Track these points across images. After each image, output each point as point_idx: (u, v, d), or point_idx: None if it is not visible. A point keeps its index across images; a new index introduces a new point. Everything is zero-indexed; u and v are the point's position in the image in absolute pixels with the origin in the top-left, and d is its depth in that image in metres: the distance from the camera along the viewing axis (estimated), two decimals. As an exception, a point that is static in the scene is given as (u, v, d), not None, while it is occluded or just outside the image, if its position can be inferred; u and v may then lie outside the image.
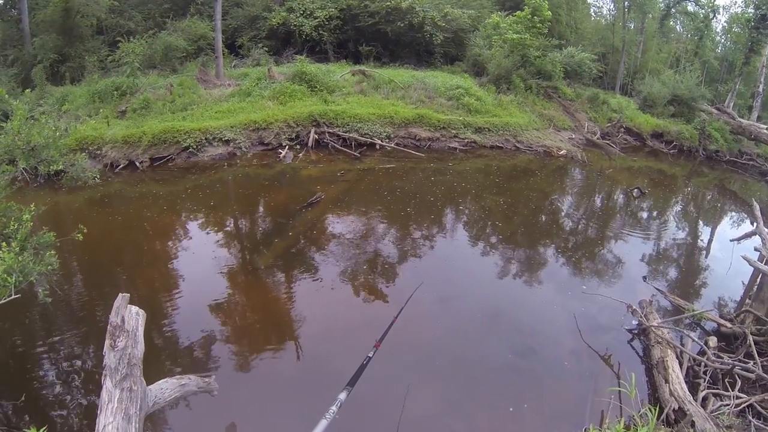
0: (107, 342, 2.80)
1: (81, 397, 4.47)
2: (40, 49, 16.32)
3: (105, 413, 2.50)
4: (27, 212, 4.42)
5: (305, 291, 6.28)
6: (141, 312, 3.08)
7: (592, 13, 26.20)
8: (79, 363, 4.96)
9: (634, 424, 3.25)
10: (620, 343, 5.75)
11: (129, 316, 2.97)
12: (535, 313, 6.27)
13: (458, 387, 4.76)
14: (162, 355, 4.95)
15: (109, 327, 2.85)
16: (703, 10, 24.46)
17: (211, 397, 3.71)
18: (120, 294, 3.04)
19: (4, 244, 4.10)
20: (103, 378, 2.68)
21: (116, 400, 2.55)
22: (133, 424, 2.52)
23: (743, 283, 7.63)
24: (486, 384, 4.85)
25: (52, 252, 4.51)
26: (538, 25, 16.11)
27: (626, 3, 22.74)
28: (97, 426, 2.48)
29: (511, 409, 4.48)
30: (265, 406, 4.32)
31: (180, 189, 10.17)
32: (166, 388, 3.10)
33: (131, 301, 3.19)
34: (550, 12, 16.42)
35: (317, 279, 6.59)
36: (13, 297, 3.83)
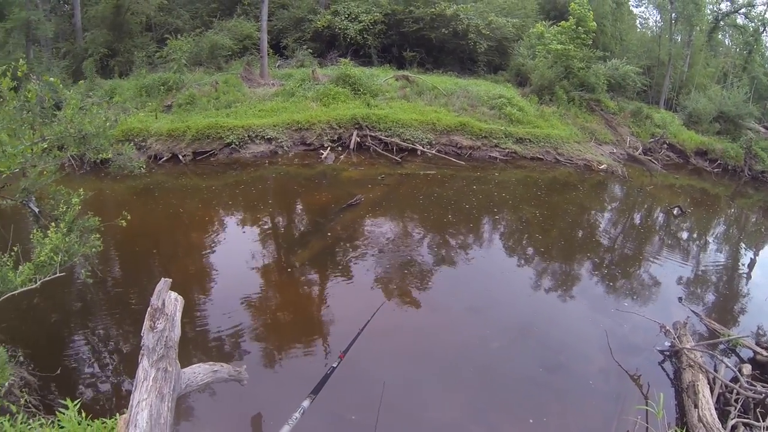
0: (147, 323, 2.86)
1: (113, 375, 4.63)
2: (91, 44, 16.98)
3: (140, 390, 2.56)
4: (76, 196, 4.62)
5: (338, 292, 6.34)
6: (179, 298, 3.13)
7: (638, 25, 25.61)
8: (113, 342, 5.14)
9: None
10: (651, 364, 5.61)
11: (169, 300, 3.03)
12: (566, 328, 6.18)
13: (483, 396, 4.74)
14: (192, 343, 5.07)
15: (149, 309, 2.92)
16: (753, 24, 23.53)
17: (240, 386, 3.77)
18: (163, 278, 3.13)
19: (53, 224, 4.32)
20: (140, 357, 2.75)
21: (151, 378, 2.61)
22: (166, 403, 2.57)
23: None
24: (511, 395, 4.82)
25: (97, 235, 4.71)
26: (582, 35, 15.86)
27: (673, 15, 22.09)
28: (131, 401, 2.54)
29: (531, 421, 4.42)
30: (290, 402, 4.36)
31: (220, 184, 10.43)
32: (199, 372, 3.18)
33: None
34: (595, 23, 16.14)
35: (351, 281, 6.66)
36: (57, 275, 4.01)
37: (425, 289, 6.61)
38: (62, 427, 2.69)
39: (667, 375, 5.46)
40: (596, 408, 4.77)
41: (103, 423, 2.81)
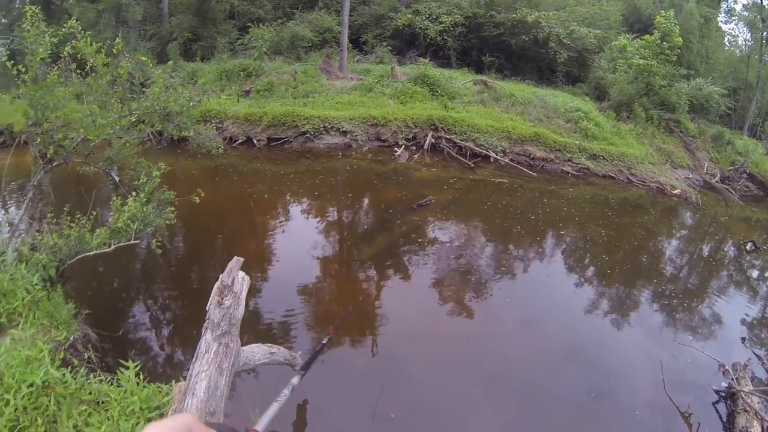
0: (215, 298, 2.92)
1: (170, 343, 4.81)
2: (176, 28, 17.98)
3: (200, 361, 2.62)
4: (156, 169, 4.87)
5: (397, 290, 6.38)
6: (246, 278, 3.20)
7: (726, 43, 24.18)
8: (172, 312, 5.35)
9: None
10: (704, 403, 5.43)
11: (237, 279, 3.10)
12: (619, 355, 6.08)
13: (525, 412, 4.70)
14: (246, 323, 5.31)
15: (219, 284, 3.00)
16: None
17: (292, 370, 3.77)
18: (235, 257, 3.24)
19: (132, 194, 4.61)
20: (203, 330, 2.82)
21: (213, 352, 2.68)
22: (224, 377, 2.62)
23: None
24: (554, 416, 4.74)
25: (171, 208, 4.90)
26: (666, 51, 15.25)
27: (764, 33, 20.77)
28: (190, 371, 2.61)
29: None
30: (334, 394, 4.38)
31: (292, 171, 10.82)
32: (257, 352, 3.28)
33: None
34: (680, 38, 15.46)
35: (411, 281, 6.73)
36: (131, 242, 4.30)
37: (481, 297, 6.65)
38: (120, 386, 2.78)
39: (720, 417, 5.30)
40: None
41: (158, 387, 2.87)
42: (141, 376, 2.87)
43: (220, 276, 3.04)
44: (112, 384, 2.81)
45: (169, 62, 10.99)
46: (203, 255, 6.80)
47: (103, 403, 2.66)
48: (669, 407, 5.17)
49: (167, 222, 4.84)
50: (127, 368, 2.79)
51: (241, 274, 3.17)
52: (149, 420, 2.61)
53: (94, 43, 4.72)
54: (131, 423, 2.52)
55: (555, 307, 7.00)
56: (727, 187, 14.69)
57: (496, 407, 4.64)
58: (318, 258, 6.96)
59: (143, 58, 5.73)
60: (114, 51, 4.99)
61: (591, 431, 4.63)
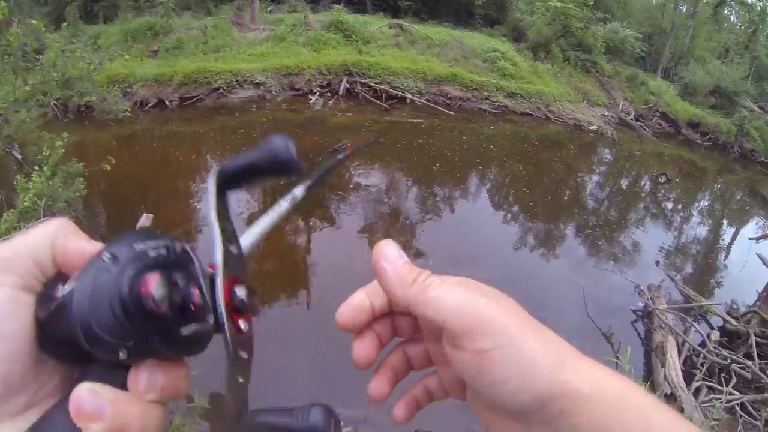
0: None
1: None
2: (73, -12, 16.31)
3: None
4: (59, 140, 4.57)
5: (321, 239, 6.36)
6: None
7: (643, -10, 24.96)
8: None
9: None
10: (624, 324, 5.75)
11: None
12: (546, 285, 6.26)
13: None
14: None
15: None
16: (761, 2, 23.15)
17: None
18: (144, 214, 3.10)
19: (36, 167, 4.26)
20: None
21: None
22: None
23: (757, 292, 7.48)
24: None
25: (81, 179, 4.68)
26: (583, -5, 15.50)
27: (680, -17, 21.68)
28: None
29: None
30: (276, 351, 4.33)
31: (207, 129, 10.35)
32: None
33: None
34: (597, -17, 15.76)
35: (334, 227, 6.69)
36: (42, 220, 3.97)
37: (408, 237, 6.63)
38: None
39: (639, 335, 5.61)
40: None
41: None
42: None
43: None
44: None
45: (64, 24, 9.86)
46: (125, 225, 6.40)
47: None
48: (594, 330, 5.39)
49: (77, 194, 4.59)
50: None
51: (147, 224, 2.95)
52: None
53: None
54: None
55: (482, 243, 7.08)
56: (641, 124, 15.31)
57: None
58: (241, 214, 6.63)
59: (34, 23, 5.15)
60: (-1, 17, 4.31)
61: None
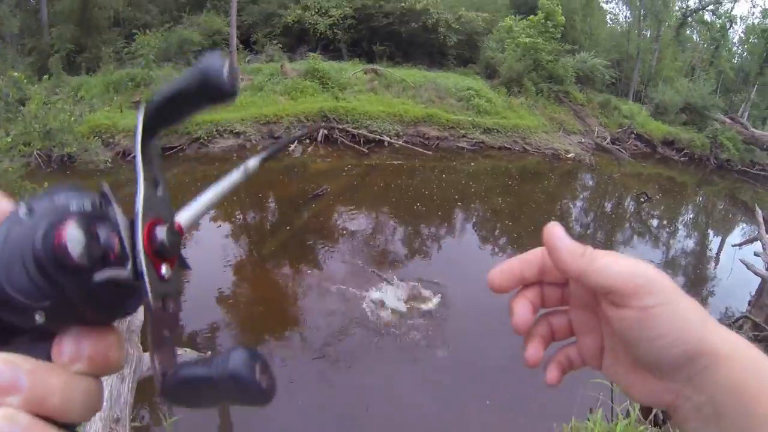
0: None
1: None
2: (58, 40, 16.64)
3: None
4: (42, 190, 4.52)
5: (306, 281, 6.29)
6: None
7: (608, 20, 26.09)
8: None
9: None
10: None
11: None
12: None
13: (449, 379, 4.81)
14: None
15: None
16: (720, 20, 24.24)
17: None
18: None
19: None
20: None
21: None
22: (126, 383, 2.72)
23: (750, 294, 7.55)
24: (481, 383, 4.88)
25: None
26: (551, 29, 16.10)
27: (642, 11, 22.65)
28: None
29: (488, 402, 4.51)
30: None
31: (188, 179, 10.35)
32: None
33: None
34: (563, 17, 16.40)
35: (317, 269, 6.64)
36: None
37: (389, 276, 6.48)
38: None
39: None
40: (561, 389, 4.84)
41: None
42: None
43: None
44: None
45: (45, 77, 9.89)
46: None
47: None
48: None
49: None
50: None
51: None
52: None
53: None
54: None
55: (470, 279, 6.83)
56: (617, 147, 15.67)
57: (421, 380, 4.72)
58: (225, 260, 6.71)
59: (16, 74, 5.18)
60: (-20, 69, 4.39)
61: (518, 389, 4.73)
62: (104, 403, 2.35)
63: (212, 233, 8.07)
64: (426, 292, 6.15)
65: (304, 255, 7.06)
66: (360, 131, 11.85)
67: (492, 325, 5.76)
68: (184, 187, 9.92)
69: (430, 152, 11.98)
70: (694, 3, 24.25)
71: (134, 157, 0.29)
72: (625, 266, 0.34)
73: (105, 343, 0.27)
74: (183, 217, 0.32)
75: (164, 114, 0.29)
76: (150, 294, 0.26)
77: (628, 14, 25.18)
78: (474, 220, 9.95)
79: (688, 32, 26.67)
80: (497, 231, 9.44)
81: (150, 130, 0.30)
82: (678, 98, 18.72)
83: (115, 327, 0.29)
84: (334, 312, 5.62)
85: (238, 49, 14.90)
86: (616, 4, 26.44)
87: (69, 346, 0.26)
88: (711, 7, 24.04)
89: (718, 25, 24.35)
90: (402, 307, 5.74)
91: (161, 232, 0.28)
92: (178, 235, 0.29)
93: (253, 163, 0.37)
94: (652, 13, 21.97)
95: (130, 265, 0.26)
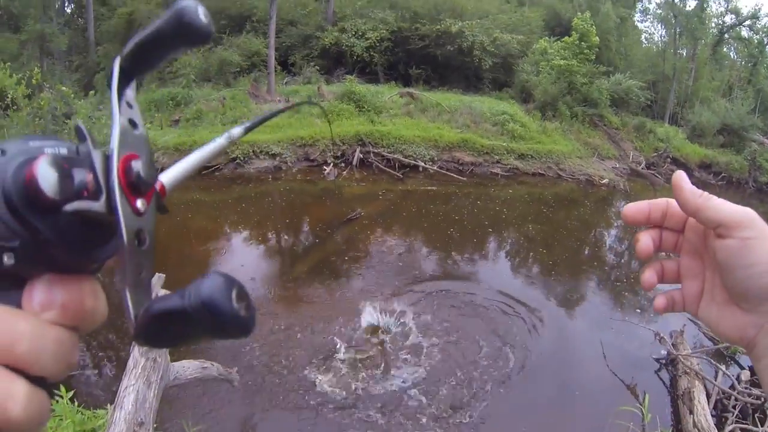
0: None
1: (110, 371, 4.85)
2: (104, 58, 17.40)
3: (129, 376, 2.81)
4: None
5: (333, 304, 6.38)
6: None
7: (643, 40, 25.61)
8: (113, 343, 5.28)
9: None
10: (648, 374, 5.66)
11: (160, 296, 3.30)
12: (568, 341, 6.21)
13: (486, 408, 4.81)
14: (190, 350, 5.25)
15: None
16: (757, 36, 23.56)
17: (233, 387, 4.06)
18: (157, 273, 3.28)
19: None
20: (131, 347, 3.01)
21: (140, 367, 2.85)
22: (153, 390, 2.80)
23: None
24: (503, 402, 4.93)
25: None
26: (585, 51, 15.95)
27: (677, 29, 22.22)
28: (120, 386, 2.78)
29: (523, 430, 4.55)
30: (282, 414, 4.48)
31: (225, 198, 10.67)
32: (188, 366, 3.45)
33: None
34: (597, 38, 16.25)
35: (346, 291, 6.74)
36: None
37: (416, 305, 6.50)
38: (53, 411, 2.84)
39: (664, 383, 5.48)
40: (589, 415, 4.86)
41: (93, 413, 3.03)
42: (76, 403, 3.01)
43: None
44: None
45: (91, 92, 10.40)
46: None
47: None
48: (616, 382, 5.36)
49: None
50: (62, 396, 2.89)
51: (164, 292, 3.14)
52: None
53: (14, 75, 4.47)
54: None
55: (504, 306, 6.90)
56: (653, 172, 15.36)
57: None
58: (255, 278, 6.90)
59: (64, 89, 5.51)
60: (33, 81, 4.73)
61: (544, 413, 4.83)
62: (130, 407, 2.56)
63: (243, 248, 8.39)
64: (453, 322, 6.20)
65: (330, 275, 7.17)
66: (395, 156, 12.01)
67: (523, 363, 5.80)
68: (221, 205, 10.26)
69: (465, 178, 12.04)
70: (731, 19, 23.63)
71: (110, 100, 0.29)
72: (732, 206, 0.44)
73: (79, 291, 0.26)
74: (167, 177, 0.33)
75: (141, 58, 0.30)
76: (123, 225, 0.25)
77: (663, 33, 24.72)
78: (507, 248, 9.94)
79: (725, 50, 25.96)
80: (531, 259, 9.41)
81: (128, 75, 0.30)
82: (715, 119, 18.26)
83: (92, 276, 0.28)
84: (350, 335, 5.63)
85: (276, 70, 15.29)
86: (651, 23, 26.00)
87: (40, 293, 0.25)
88: (748, 22, 23.35)
89: (756, 41, 23.68)
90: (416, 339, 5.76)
91: (137, 165, 0.27)
92: (154, 169, 0.29)
93: (237, 131, 0.39)
94: (688, 31, 21.49)
95: (103, 198, 0.26)
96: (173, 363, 3.25)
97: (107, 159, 0.27)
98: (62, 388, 2.92)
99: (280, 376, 4.88)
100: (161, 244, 8.10)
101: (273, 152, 12.37)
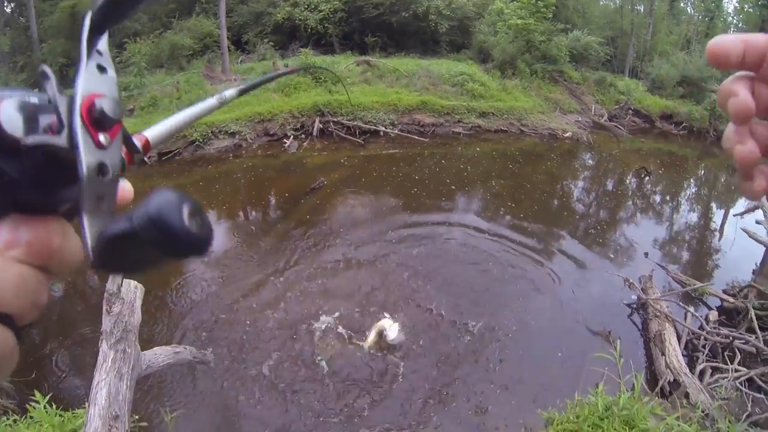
0: (104, 307, 3.01)
1: (85, 370, 4.63)
2: (49, 54, 16.73)
3: (100, 371, 2.76)
4: None
5: (302, 274, 6.29)
6: (139, 286, 3.30)
7: (601, -3, 25.72)
8: (90, 346, 5.07)
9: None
10: (621, 319, 5.73)
11: (127, 288, 3.18)
12: (540, 294, 6.21)
13: (455, 351, 4.81)
14: (163, 333, 5.11)
15: (105, 294, 3.05)
16: (714, -10, 23.96)
17: (209, 368, 4.00)
18: (135, 283, 3.27)
19: None
20: (100, 341, 2.93)
21: (110, 360, 2.79)
22: (125, 382, 2.75)
23: (756, 264, 7.47)
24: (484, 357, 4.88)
25: None
26: (542, 9, 15.91)
27: (635, -15, 22.37)
28: (92, 382, 2.73)
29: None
30: (261, 390, 4.37)
31: (187, 182, 10.40)
32: (160, 353, 3.37)
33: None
34: (554, -3, 16.23)
35: (317, 261, 6.63)
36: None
37: (385, 265, 6.52)
38: (32, 418, 2.87)
39: (636, 327, 5.57)
40: (563, 365, 4.85)
41: (73, 413, 2.98)
42: (53, 406, 2.97)
43: (106, 286, 3.11)
44: (24, 420, 2.90)
45: (37, 90, 9.86)
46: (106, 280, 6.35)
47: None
48: (589, 330, 5.41)
49: None
50: (38, 402, 2.88)
51: (134, 283, 3.26)
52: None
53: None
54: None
55: (470, 260, 6.90)
56: (615, 124, 15.53)
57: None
58: (222, 257, 6.73)
59: None
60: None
61: (516, 367, 4.80)
62: (103, 401, 2.44)
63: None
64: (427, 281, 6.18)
65: (296, 245, 7.05)
66: (355, 123, 11.85)
67: (488, 310, 5.81)
68: (184, 189, 9.93)
69: (426, 139, 11.96)
70: (688, -26, 23.96)
71: (80, 49, 0.29)
72: None
73: (46, 231, 0.26)
74: (152, 132, 0.33)
75: (112, 11, 0.30)
76: (82, 153, 0.25)
77: (620, -10, 24.88)
78: (474, 204, 9.90)
79: (681, 5, 26.35)
80: (499, 214, 9.40)
81: (100, 28, 0.30)
82: (674, 72, 18.50)
83: (61, 218, 0.27)
84: (322, 302, 5.55)
85: (229, 49, 14.89)
86: (608, -21, 26.11)
87: (5, 232, 0.25)
88: (705, -23, 23.74)
89: (712, -4, 24.07)
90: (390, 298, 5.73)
91: (101, 102, 0.27)
92: (120, 107, 0.29)
93: (230, 93, 0.38)
94: (645, -13, 21.71)
95: (65, 133, 0.26)
96: (144, 352, 3.18)
97: (71, 99, 0.27)
98: (37, 394, 2.90)
99: (256, 352, 4.75)
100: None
101: (232, 131, 12.08)
